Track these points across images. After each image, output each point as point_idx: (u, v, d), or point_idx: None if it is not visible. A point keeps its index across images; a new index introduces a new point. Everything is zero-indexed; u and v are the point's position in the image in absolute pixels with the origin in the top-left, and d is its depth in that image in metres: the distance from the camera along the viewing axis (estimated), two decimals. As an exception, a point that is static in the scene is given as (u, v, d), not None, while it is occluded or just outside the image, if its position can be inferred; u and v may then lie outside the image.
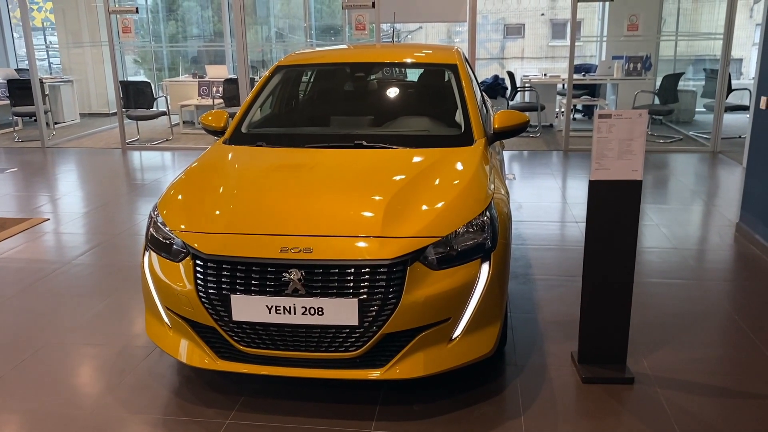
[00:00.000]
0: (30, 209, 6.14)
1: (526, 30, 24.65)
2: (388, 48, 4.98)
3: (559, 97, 10.53)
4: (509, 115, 3.64)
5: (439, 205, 2.81)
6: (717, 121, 8.36)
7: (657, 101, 9.49)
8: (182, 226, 2.82)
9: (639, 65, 9.83)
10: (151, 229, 2.95)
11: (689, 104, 10.54)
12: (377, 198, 2.84)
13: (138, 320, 3.72)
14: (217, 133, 3.87)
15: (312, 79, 4.48)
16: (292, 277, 2.54)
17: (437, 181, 3.02)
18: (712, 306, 3.83)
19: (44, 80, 10.79)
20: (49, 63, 14.91)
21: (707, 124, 9.37)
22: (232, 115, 3.96)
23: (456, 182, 3.02)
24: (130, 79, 12.76)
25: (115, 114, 12.90)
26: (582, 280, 3.00)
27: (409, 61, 4.45)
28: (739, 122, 9.78)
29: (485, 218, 2.78)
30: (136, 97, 9.75)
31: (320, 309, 2.55)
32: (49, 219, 5.77)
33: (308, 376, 2.69)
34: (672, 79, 9.33)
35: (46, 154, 9.07)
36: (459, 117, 3.75)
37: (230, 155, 3.57)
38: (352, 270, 2.55)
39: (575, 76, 9.33)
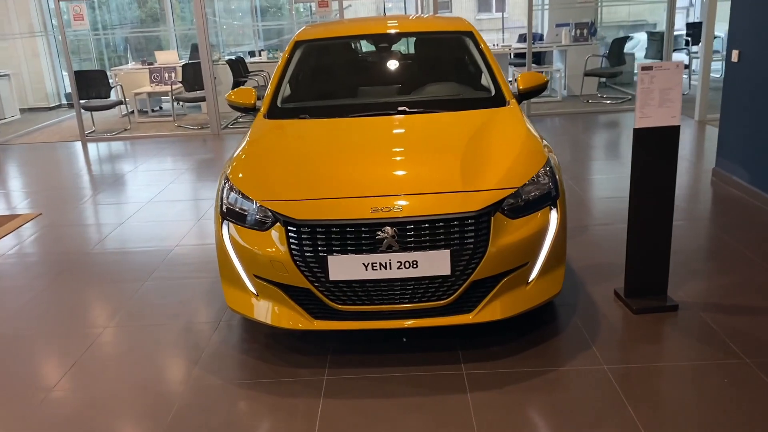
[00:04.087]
0: (12, 206, 5.93)
1: (453, 4, 25.06)
2: (402, 19, 5.16)
3: (511, 68, 10.90)
4: (531, 76, 3.87)
5: (507, 160, 3.02)
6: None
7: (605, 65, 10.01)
8: (263, 197, 2.90)
9: (585, 31, 10.32)
10: (227, 203, 3.02)
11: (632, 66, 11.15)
12: (449, 156, 3.02)
13: (189, 297, 3.75)
14: (247, 109, 3.92)
15: (332, 52, 4.54)
16: (386, 234, 2.69)
17: (496, 139, 3.23)
18: (713, 241, 4.23)
19: (-19, 76, 10.24)
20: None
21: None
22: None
23: (513, 139, 3.23)
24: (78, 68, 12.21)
25: (56, 107, 12.42)
26: (627, 220, 3.28)
27: (426, 30, 4.59)
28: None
29: (548, 169, 3.01)
30: (88, 88, 9.40)
31: (415, 262, 2.71)
32: (41, 213, 5.61)
33: (403, 327, 2.85)
34: (619, 43, 9.86)
35: None
36: (485, 80, 3.95)
37: (281, 128, 3.64)
38: (443, 223, 2.72)
39: (522, 45, 9.68)
